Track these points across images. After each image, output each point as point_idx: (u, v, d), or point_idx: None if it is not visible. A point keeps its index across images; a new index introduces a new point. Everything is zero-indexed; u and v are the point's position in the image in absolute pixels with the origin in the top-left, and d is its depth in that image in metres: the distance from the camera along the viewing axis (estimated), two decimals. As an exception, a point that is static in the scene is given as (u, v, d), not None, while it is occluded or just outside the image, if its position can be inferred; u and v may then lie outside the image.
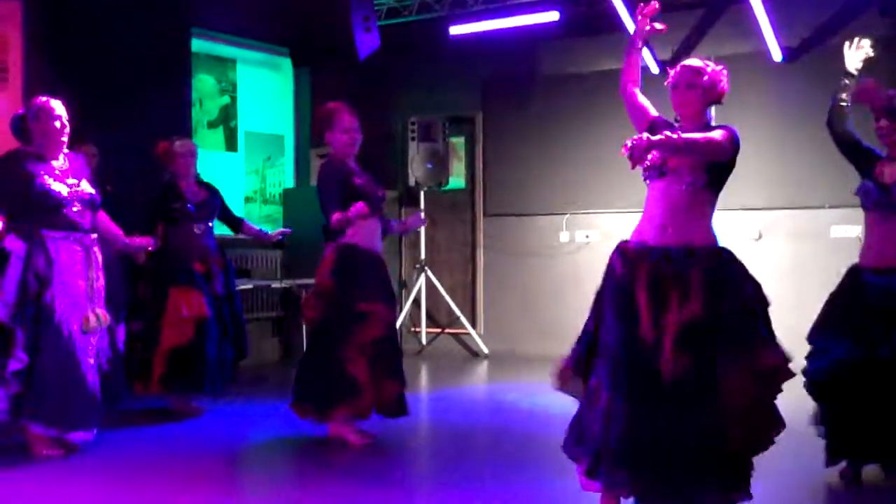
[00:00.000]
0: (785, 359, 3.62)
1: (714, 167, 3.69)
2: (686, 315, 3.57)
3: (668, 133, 3.47)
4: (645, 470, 3.55)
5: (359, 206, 5.01)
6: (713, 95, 3.79)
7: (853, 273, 4.50)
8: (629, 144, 3.35)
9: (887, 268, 4.34)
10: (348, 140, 5.36)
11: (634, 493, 3.60)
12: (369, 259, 5.28)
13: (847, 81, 4.55)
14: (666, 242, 3.67)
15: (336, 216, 5.09)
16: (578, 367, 3.78)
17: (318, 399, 5.27)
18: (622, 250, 3.77)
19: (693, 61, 3.84)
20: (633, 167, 3.42)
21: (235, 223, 6.54)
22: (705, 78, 3.78)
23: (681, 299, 3.59)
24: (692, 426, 3.52)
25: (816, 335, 4.53)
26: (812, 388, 4.51)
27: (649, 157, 3.53)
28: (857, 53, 4.59)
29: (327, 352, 5.21)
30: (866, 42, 4.59)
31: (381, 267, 5.37)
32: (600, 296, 3.80)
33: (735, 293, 3.61)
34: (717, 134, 3.64)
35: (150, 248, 5.49)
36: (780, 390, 3.63)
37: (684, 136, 3.54)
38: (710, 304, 3.57)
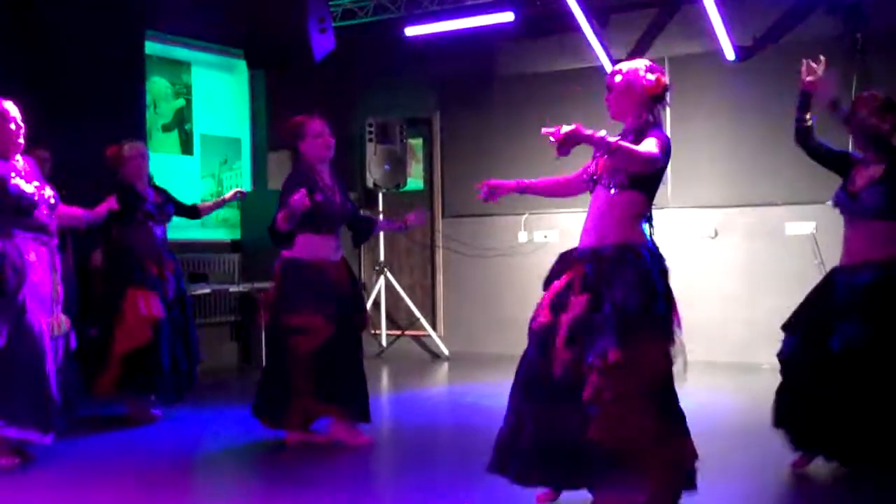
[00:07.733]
0: (635, 357, 3.53)
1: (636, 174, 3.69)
2: (571, 314, 3.64)
3: (603, 135, 3.41)
4: (554, 467, 3.64)
5: (301, 194, 4.96)
6: (636, 95, 3.74)
7: (830, 272, 4.65)
8: (561, 132, 3.35)
9: (853, 264, 4.48)
10: (322, 144, 5.35)
11: (549, 484, 3.78)
12: (313, 271, 5.22)
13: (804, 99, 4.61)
14: (587, 245, 3.76)
15: (279, 215, 5.07)
16: None
17: (264, 407, 5.36)
18: (560, 257, 3.87)
19: (623, 64, 3.82)
20: (558, 155, 3.41)
21: (192, 211, 6.66)
22: (618, 79, 3.77)
23: (575, 299, 3.66)
24: (571, 422, 3.56)
25: (786, 326, 4.66)
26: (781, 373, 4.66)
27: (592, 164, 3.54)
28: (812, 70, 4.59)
29: (269, 362, 5.35)
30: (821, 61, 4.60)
31: (332, 276, 5.27)
32: None
33: (618, 290, 3.58)
34: (651, 144, 3.61)
35: (113, 207, 5.31)
36: (655, 387, 3.59)
37: (621, 142, 3.50)
38: (593, 302, 3.61)
